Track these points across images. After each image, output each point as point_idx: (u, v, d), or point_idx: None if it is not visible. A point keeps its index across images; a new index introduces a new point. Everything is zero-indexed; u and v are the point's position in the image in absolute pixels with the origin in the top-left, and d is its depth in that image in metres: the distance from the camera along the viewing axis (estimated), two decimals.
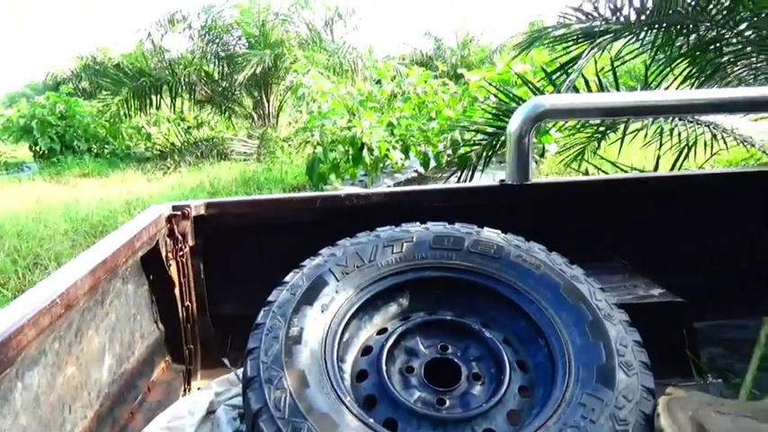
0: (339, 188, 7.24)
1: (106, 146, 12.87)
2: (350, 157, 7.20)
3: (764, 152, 4.35)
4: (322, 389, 1.12)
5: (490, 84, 7.51)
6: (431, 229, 1.49)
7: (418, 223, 1.52)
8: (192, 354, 1.82)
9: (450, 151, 7.58)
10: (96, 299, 1.37)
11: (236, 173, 9.01)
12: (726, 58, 4.15)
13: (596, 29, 4.11)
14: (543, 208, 1.98)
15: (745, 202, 2.05)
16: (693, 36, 4.13)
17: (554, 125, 5.82)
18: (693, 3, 3.89)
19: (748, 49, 4.04)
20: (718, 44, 4.06)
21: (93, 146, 12.89)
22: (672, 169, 4.23)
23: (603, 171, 4.80)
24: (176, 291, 1.78)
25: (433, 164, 7.96)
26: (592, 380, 1.13)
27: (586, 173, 4.88)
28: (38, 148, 12.38)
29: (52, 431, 1.14)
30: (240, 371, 1.61)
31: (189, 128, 13.58)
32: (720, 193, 2.08)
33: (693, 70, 4.23)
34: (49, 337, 1.13)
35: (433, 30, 17.61)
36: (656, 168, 4.36)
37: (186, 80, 11.87)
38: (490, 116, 4.82)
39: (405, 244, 1.44)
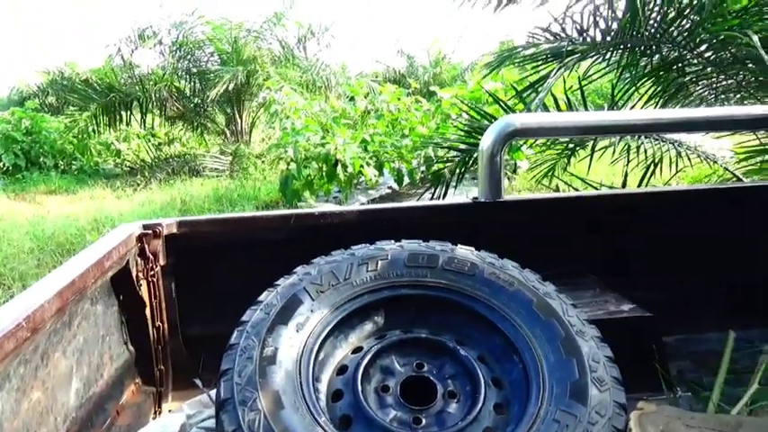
0: (313, 205, 7.22)
1: (74, 162, 12.58)
2: (324, 173, 7.19)
3: (726, 169, 4.49)
4: (297, 410, 1.11)
5: (462, 101, 7.61)
6: (405, 247, 1.49)
7: (393, 241, 1.52)
8: (162, 375, 1.78)
9: (423, 168, 7.63)
10: (64, 321, 1.34)
11: (209, 189, 8.91)
12: (688, 78, 4.30)
13: (564, 49, 4.22)
14: (515, 225, 2.00)
15: (711, 219, 2.12)
16: (657, 57, 4.27)
17: (525, 142, 5.93)
18: (656, 25, 4.02)
19: (708, 69, 4.20)
20: (680, 65, 4.20)
21: (60, 162, 12.60)
22: (639, 185, 4.34)
23: (574, 187, 4.90)
24: (147, 311, 1.74)
25: (406, 180, 8.00)
26: (565, 396, 1.14)
27: (557, 189, 4.97)
28: (1, 164, 12.05)
29: None
30: (213, 392, 1.58)
31: (160, 144, 13.38)
32: (687, 210, 2.14)
33: (657, 89, 4.37)
34: (14, 360, 1.10)
35: (406, 48, 17.80)
36: (623, 184, 4.46)
37: (157, 96, 11.73)
38: (462, 133, 4.89)
39: (379, 262, 1.44)
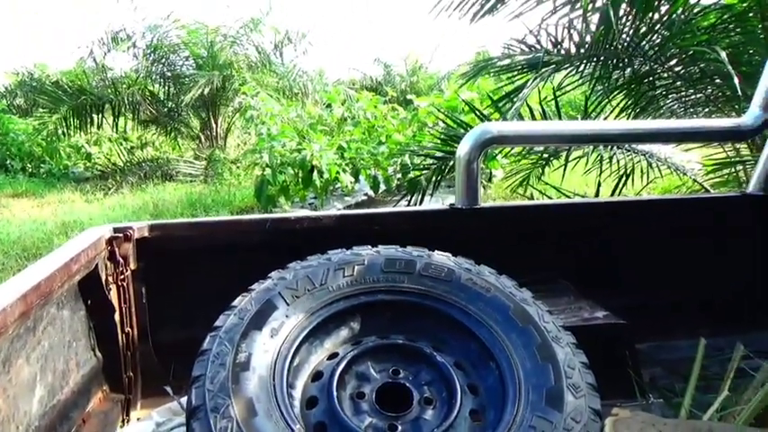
0: (288, 210, 7.17)
1: (42, 165, 12.28)
2: (300, 179, 7.16)
3: (695, 180, 4.60)
4: (270, 417, 1.09)
5: (439, 110, 7.67)
6: (382, 253, 1.48)
7: (369, 246, 1.51)
8: (131, 382, 1.73)
9: (399, 175, 7.65)
10: (28, 326, 1.29)
11: (182, 194, 8.78)
12: (658, 91, 4.40)
13: (539, 60, 4.28)
14: (491, 232, 2.01)
15: (682, 228, 2.16)
16: (629, 70, 4.36)
17: (500, 152, 5.99)
18: (628, 39, 4.11)
19: (678, 83, 4.31)
20: (651, 78, 4.30)
21: (28, 165, 12.29)
22: (612, 195, 4.42)
23: (548, 196, 4.96)
24: (116, 316, 1.70)
25: (383, 187, 8.01)
26: (541, 402, 1.14)
27: (531, 198, 5.03)
28: None
29: None
30: (183, 399, 1.54)
31: (132, 148, 13.16)
32: (660, 219, 2.18)
33: (629, 102, 4.47)
34: None
35: (383, 56, 17.92)
36: (596, 194, 4.53)
37: (130, 99, 11.53)
38: (439, 141, 4.92)
39: (356, 267, 1.43)
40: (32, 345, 1.32)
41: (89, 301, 1.63)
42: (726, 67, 3.36)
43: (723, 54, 3.38)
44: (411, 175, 5.30)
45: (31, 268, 1.33)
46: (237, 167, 10.70)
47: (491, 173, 7.87)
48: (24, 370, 1.28)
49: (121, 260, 1.69)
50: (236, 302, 1.33)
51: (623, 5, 3.94)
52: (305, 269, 1.41)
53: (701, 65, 4.02)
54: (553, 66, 4.28)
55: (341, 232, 1.88)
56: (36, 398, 1.33)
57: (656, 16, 4.02)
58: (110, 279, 1.68)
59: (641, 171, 4.50)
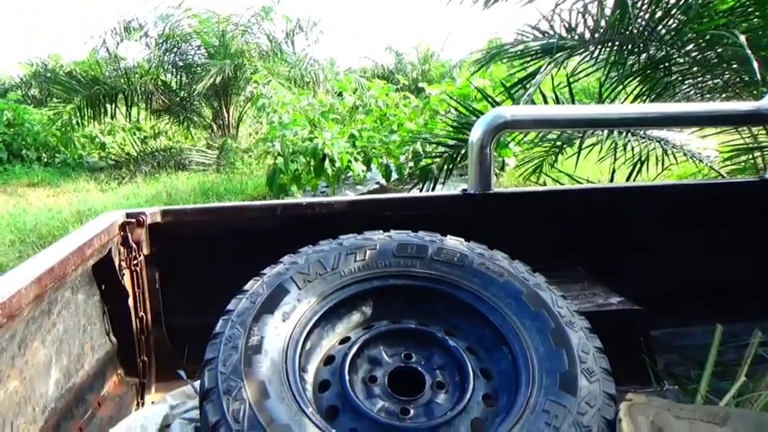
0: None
1: (57, 155, 12.41)
2: (311, 168, 7.16)
3: (711, 167, 4.53)
4: (283, 399, 1.09)
5: (450, 98, 7.61)
6: (394, 237, 1.47)
7: (381, 231, 1.50)
8: (145, 366, 1.74)
9: (411, 163, 7.63)
10: (42, 309, 1.30)
11: (195, 183, 8.83)
12: (674, 77, 4.33)
13: (552, 46, 4.23)
14: (504, 217, 1.99)
15: (699, 214, 2.13)
16: (644, 55, 4.29)
17: (513, 139, 5.94)
18: (644, 23, 4.04)
19: (695, 69, 4.23)
20: (667, 64, 4.23)
21: (44, 155, 12.42)
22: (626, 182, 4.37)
23: (561, 184, 4.91)
24: (130, 301, 1.71)
25: (394, 176, 7.99)
26: (555, 387, 1.13)
27: (544, 186, 4.98)
28: None
29: None
30: (197, 383, 1.55)
31: (145, 137, 13.25)
32: (676, 205, 2.15)
33: (644, 88, 4.40)
34: None
35: (395, 44, 17.82)
36: (611, 182, 4.48)
37: (143, 89, 11.60)
38: (451, 129, 4.89)
39: (368, 252, 1.42)
40: (48, 328, 1.33)
41: (103, 286, 1.64)
42: (744, 52, 3.29)
43: (742, 38, 3.31)
44: (423, 163, 5.28)
45: (44, 252, 1.34)
46: (249, 156, 10.73)
47: (503, 161, 7.81)
48: (40, 352, 1.29)
49: (134, 245, 1.70)
50: (247, 286, 1.33)
51: None
52: (316, 254, 1.41)
53: (719, 49, 3.95)
54: (567, 51, 4.21)
55: (352, 218, 1.87)
56: (52, 380, 1.34)
57: (673, 0, 3.94)
58: (123, 264, 1.69)
59: (656, 158, 4.44)
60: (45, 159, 12.36)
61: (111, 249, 1.61)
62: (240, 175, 9.39)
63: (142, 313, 1.75)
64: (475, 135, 1.90)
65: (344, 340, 1.34)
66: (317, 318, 1.31)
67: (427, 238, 1.48)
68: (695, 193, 2.21)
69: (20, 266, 1.23)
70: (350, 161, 7.22)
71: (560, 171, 4.88)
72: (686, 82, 4.39)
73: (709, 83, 4.27)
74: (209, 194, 7.93)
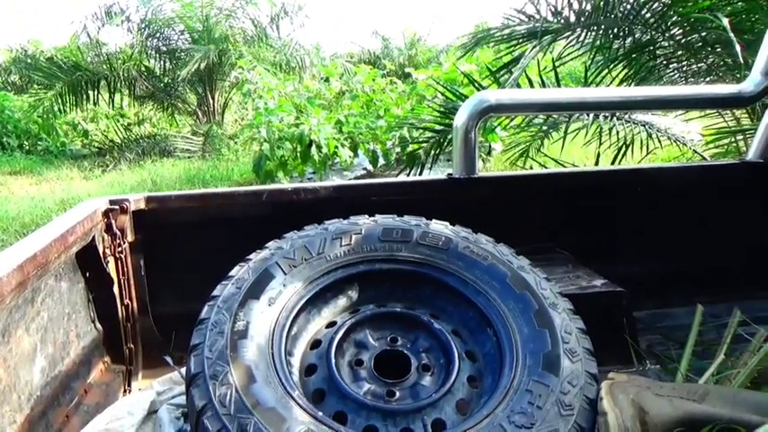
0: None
1: (39, 142, 12.21)
2: (298, 154, 7.12)
3: (695, 151, 4.58)
4: (269, 383, 1.09)
5: (437, 82, 7.59)
6: (379, 222, 1.48)
7: (367, 216, 1.51)
8: (132, 353, 1.74)
9: (398, 149, 7.61)
10: (26, 297, 1.29)
11: (180, 170, 8.75)
12: (659, 60, 4.35)
13: (538, 29, 4.22)
14: (489, 201, 2.00)
15: (681, 196, 2.15)
16: (629, 39, 4.30)
17: (499, 124, 5.94)
18: (629, 6, 4.05)
19: (679, 52, 4.25)
20: (651, 47, 4.24)
21: (25, 142, 12.21)
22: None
23: (547, 168, 4.93)
24: (115, 288, 1.70)
25: (381, 161, 7.98)
26: (538, 367, 1.15)
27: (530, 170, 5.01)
28: None
29: None
30: (184, 369, 1.55)
31: (129, 124, 13.06)
32: (658, 188, 2.17)
33: (629, 72, 4.42)
34: None
35: (381, 29, 17.70)
36: (596, 165, 4.52)
37: (125, 75, 11.41)
38: (438, 114, 4.88)
39: (353, 236, 1.43)
40: (31, 316, 1.33)
41: (87, 274, 1.63)
42: (727, 35, 3.31)
43: (725, 21, 3.32)
44: (410, 148, 5.27)
45: (27, 239, 1.33)
46: (235, 143, 10.63)
47: (490, 146, 7.82)
48: (24, 341, 1.29)
49: (118, 232, 1.69)
50: (233, 272, 1.33)
51: None
52: (302, 239, 1.41)
53: (703, 33, 3.97)
54: (553, 34, 4.21)
55: (338, 203, 1.87)
56: (37, 368, 1.34)
57: None
58: (107, 251, 1.68)
59: (641, 142, 4.47)
60: (27, 147, 12.15)
61: (94, 236, 1.60)
62: (226, 162, 9.32)
63: (128, 300, 1.75)
64: (459, 119, 1.90)
65: (331, 324, 1.35)
66: (303, 302, 1.32)
67: (413, 222, 1.48)
68: (679, 175, 2.23)
69: (1, 254, 1.22)
70: (336, 147, 7.19)
71: (546, 156, 4.90)
72: (671, 66, 4.42)
73: (693, 67, 4.30)
74: (195, 181, 7.86)
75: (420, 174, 4.60)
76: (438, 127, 4.62)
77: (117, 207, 1.69)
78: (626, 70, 4.42)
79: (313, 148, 6.96)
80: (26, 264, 1.18)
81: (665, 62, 4.36)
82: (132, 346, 1.75)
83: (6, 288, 1.10)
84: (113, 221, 1.68)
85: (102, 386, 1.62)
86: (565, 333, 1.22)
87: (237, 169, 8.64)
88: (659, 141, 4.55)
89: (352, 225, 1.46)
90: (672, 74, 4.41)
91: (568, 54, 4.54)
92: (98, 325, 1.70)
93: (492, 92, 2.08)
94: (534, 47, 4.16)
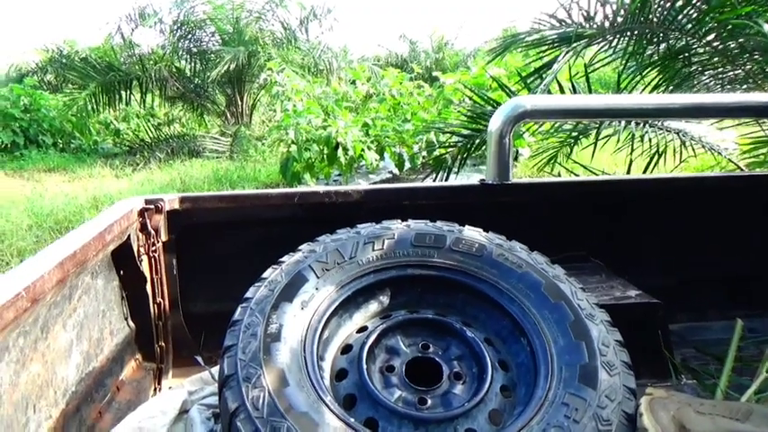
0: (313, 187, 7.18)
1: (72, 141, 12.51)
2: (324, 156, 7.15)
3: (730, 160, 4.47)
4: (302, 387, 1.09)
5: (465, 87, 7.55)
6: (412, 227, 1.47)
7: (399, 221, 1.50)
8: (163, 352, 1.76)
9: (424, 153, 7.59)
10: (64, 293, 1.31)
11: (209, 170, 8.86)
12: (694, 67, 4.25)
13: (570, 35, 4.17)
14: (523, 208, 1.98)
15: (718, 207, 2.10)
16: (663, 45, 4.22)
17: (527, 129, 5.89)
18: (665, 12, 3.97)
19: (715, 59, 4.15)
20: (686, 54, 4.15)
21: (59, 140, 12.52)
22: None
23: (576, 174, 4.87)
24: (148, 287, 1.72)
25: (407, 165, 7.96)
26: (574, 379, 1.13)
27: (559, 177, 4.95)
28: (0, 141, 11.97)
29: (15, 431, 1.09)
30: (214, 369, 1.57)
31: (159, 124, 13.29)
32: (695, 197, 2.12)
33: (663, 79, 4.33)
34: (14, 332, 1.08)
35: (408, 33, 17.71)
36: (627, 173, 4.44)
37: (157, 76, 11.60)
38: (465, 119, 4.85)
39: (386, 241, 1.42)
40: (69, 312, 1.35)
41: (122, 272, 1.66)
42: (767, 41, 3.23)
43: (766, 27, 3.24)
44: (436, 152, 5.25)
45: (66, 237, 1.36)
46: (262, 144, 10.73)
47: (517, 151, 7.75)
48: (61, 336, 1.31)
49: (153, 231, 1.71)
50: (266, 274, 1.33)
51: None
52: (335, 242, 1.41)
53: (741, 39, 3.87)
54: (585, 40, 4.15)
55: (369, 206, 1.87)
56: (72, 364, 1.36)
57: None
58: (141, 250, 1.70)
59: (674, 150, 4.38)
60: (61, 145, 12.46)
61: (130, 235, 1.63)
62: (253, 163, 9.41)
63: (160, 299, 1.77)
64: (494, 125, 1.88)
65: (362, 329, 1.34)
66: (335, 306, 1.31)
67: (445, 227, 1.47)
68: (717, 185, 2.18)
69: (42, 251, 1.25)
70: (363, 150, 7.20)
71: (575, 162, 4.84)
72: (706, 72, 4.31)
73: (730, 73, 4.20)
74: (223, 182, 7.95)
75: (446, 178, 4.57)
76: (465, 132, 4.58)
77: (152, 207, 1.72)
78: (659, 76, 4.33)
79: (340, 151, 6.98)
80: (66, 261, 1.20)
81: (700, 69, 4.26)
82: (163, 344, 1.77)
83: (48, 285, 1.12)
84: (148, 221, 1.70)
85: (133, 383, 1.64)
86: (602, 345, 1.19)
87: (264, 170, 8.72)
88: (693, 149, 4.45)
89: (385, 229, 1.45)
90: (707, 81, 4.31)
91: (600, 59, 4.47)
92: (131, 323, 1.72)
93: (527, 97, 2.06)
94: (566, 53, 4.11)
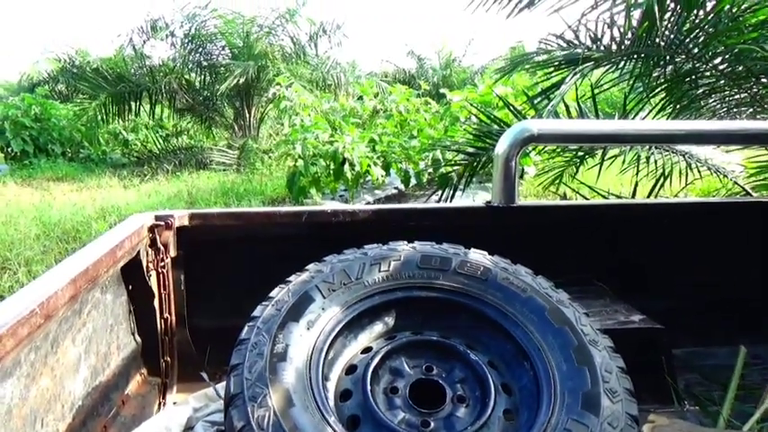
0: (319, 202, 7.22)
1: (81, 150, 12.64)
2: (331, 171, 7.18)
3: (736, 183, 4.47)
4: (306, 408, 1.10)
5: (472, 105, 7.60)
6: (418, 249, 1.49)
7: (405, 242, 1.52)
8: (168, 367, 1.78)
9: (431, 169, 7.62)
10: (75, 309, 1.33)
11: (215, 183, 8.92)
12: (701, 90, 4.27)
13: (578, 56, 4.20)
14: (528, 231, 1.99)
15: (723, 232, 2.11)
16: (670, 68, 4.25)
17: (534, 148, 5.91)
18: (672, 36, 4.00)
19: (722, 82, 4.17)
20: (693, 77, 4.18)
21: (68, 150, 12.65)
22: (649, 196, 4.33)
23: (581, 195, 4.88)
24: (155, 302, 1.74)
25: (413, 181, 7.99)
26: (577, 406, 1.13)
27: (564, 196, 4.96)
28: (10, 149, 12.09)
29: None
30: (218, 385, 1.58)
31: (168, 135, 13.42)
32: (700, 222, 2.13)
33: (670, 100, 4.35)
34: (26, 347, 1.10)
35: (416, 49, 17.86)
36: (633, 194, 4.45)
37: (167, 88, 11.75)
38: (472, 137, 4.88)
39: (392, 263, 1.43)
40: (78, 327, 1.37)
41: (130, 287, 1.68)
42: None
43: None
44: (442, 170, 5.28)
45: (78, 253, 1.38)
46: (269, 157, 10.80)
47: (523, 169, 7.77)
48: (70, 351, 1.33)
49: (162, 247, 1.73)
50: (273, 293, 1.35)
51: (667, 1, 3.84)
52: (341, 263, 1.42)
53: (748, 64, 3.89)
54: (592, 62, 4.19)
55: (376, 226, 1.89)
56: (80, 378, 1.38)
57: (702, 13, 3.90)
58: (150, 266, 1.72)
59: (680, 172, 4.39)
60: (70, 154, 12.60)
61: (139, 251, 1.65)
62: (260, 176, 9.46)
63: (167, 314, 1.79)
64: (501, 147, 1.91)
65: (367, 350, 1.36)
66: (340, 327, 1.33)
67: (451, 250, 1.49)
68: (721, 210, 2.19)
69: (55, 267, 1.27)
70: (369, 165, 7.24)
71: (581, 182, 4.85)
72: (713, 95, 4.33)
73: (737, 97, 4.22)
74: (230, 194, 7.99)
75: (452, 195, 4.59)
76: (471, 150, 4.61)
77: (162, 223, 1.74)
78: (666, 98, 4.36)
79: (346, 166, 7.02)
80: (78, 278, 1.23)
81: (707, 91, 4.28)
82: (169, 359, 1.79)
83: (60, 301, 1.14)
84: (158, 237, 1.72)
85: (138, 398, 1.66)
86: (605, 372, 1.20)
87: (271, 184, 8.76)
88: (699, 172, 4.46)
89: (391, 251, 1.47)
90: (714, 103, 4.33)
91: (607, 81, 4.50)
92: (137, 337, 1.74)
93: (534, 121, 2.08)
94: (573, 75, 4.14)
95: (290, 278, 1.39)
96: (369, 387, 1.23)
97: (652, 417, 1.19)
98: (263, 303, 1.32)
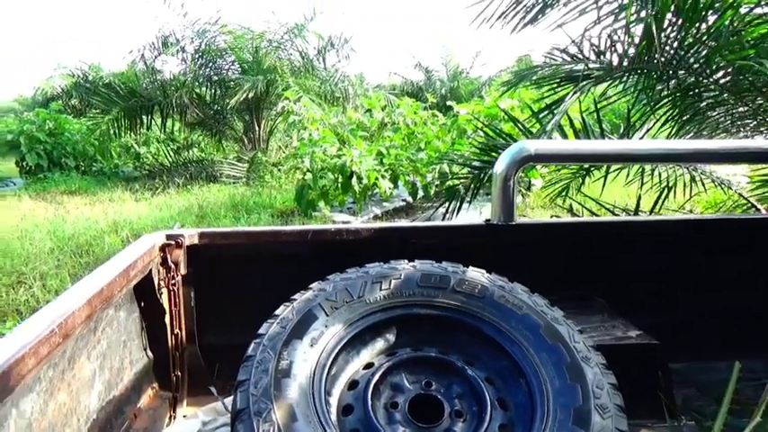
0: (328, 215, 7.29)
1: (94, 164, 12.86)
2: (339, 184, 7.27)
3: (741, 195, 4.49)
4: (309, 423, 1.16)
5: (478, 118, 7.67)
6: (418, 267, 1.54)
7: (406, 261, 1.57)
8: (178, 381, 1.84)
9: (438, 182, 7.68)
10: (90, 327, 1.40)
11: (225, 196, 9.03)
12: (704, 103, 4.31)
13: (580, 73, 4.26)
14: (526, 248, 2.04)
15: (720, 248, 2.14)
16: (673, 82, 4.29)
17: None
18: (672, 51, 4.05)
19: (725, 96, 4.21)
20: (696, 90, 4.22)
21: (81, 163, 12.87)
22: (653, 209, 4.36)
23: (587, 208, 4.91)
24: (167, 318, 1.81)
25: (421, 194, 8.06)
26: (569, 421, 1.18)
27: (570, 208, 5.00)
28: (24, 163, 12.32)
29: None
30: (227, 399, 1.64)
31: (179, 149, 13.61)
32: (696, 238, 2.17)
33: (674, 114, 4.39)
34: (46, 365, 1.16)
35: (424, 61, 17.97)
36: (637, 207, 4.48)
37: (178, 102, 11.93)
38: (478, 150, 4.94)
39: (392, 281, 1.49)
40: (93, 344, 1.43)
41: (143, 304, 1.75)
42: None
43: None
44: (449, 183, 5.33)
45: (93, 273, 1.45)
46: (279, 170, 10.92)
47: (530, 182, 7.82)
48: (86, 367, 1.39)
49: (173, 266, 1.80)
50: (278, 311, 1.40)
51: (668, 16, 3.89)
52: (344, 281, 1.48)
53: (750, 77, 3.93)
54: (593, 80, 4.24)
55: (378, 245, 1.95)
56: (95, 393, 1.44)
57: (703, 27, 3.95)
58: (162, 283, 1.79)
59: (684, 184, 4.42)
60: (83, 168, 12.82)
61: (151, 269, 1.72)
62: (269, 189, 9.57)
63: (177, 330, 1.85)
64: (499, 167, 1.96)
65: (368, 366, 1.41)
66: (342, 344, 1.38)
67: (450, 269, 1.54)
68: (716, 226, 2.22)
69: (72, 287, 1.34)
70: (377, 178, 7.32)
71: (586, 195, 4.89)
72: (716, 109, 4.36)
73: (740, 110, 4.25)
74: (239, 207, 8.09)
75: (459, 208, 4.64)
76: (477, 163, 4.67)
77: (173, 242, 1.81)
78: (670, 111, 4.39)
79: (354, 179, 7.10)
80: (94, 298, 1.29)
81: (710, 104, 4.31)
82: (179, 373, 1.85)
83: (77, 321, 1.21)
84: (169, 255, 1.79)
85: (149, 411, 1.72)
86: (596, 388, 1.24)
87: (280, 197, 8.86)
88: (703, 184, 4.48)
89: (392, 269, 1.53)
90: (718, 116, 4.36)
91: (612, 95, 4.55)
92: (149, 353, 1.80)
93: (532, 142, 2.13)
94: (576, 90, 4.19)
95: (295, 296, 1.45)
96: (370, 402, 1.28)
97: None
98: (269, 321, 1.38)
